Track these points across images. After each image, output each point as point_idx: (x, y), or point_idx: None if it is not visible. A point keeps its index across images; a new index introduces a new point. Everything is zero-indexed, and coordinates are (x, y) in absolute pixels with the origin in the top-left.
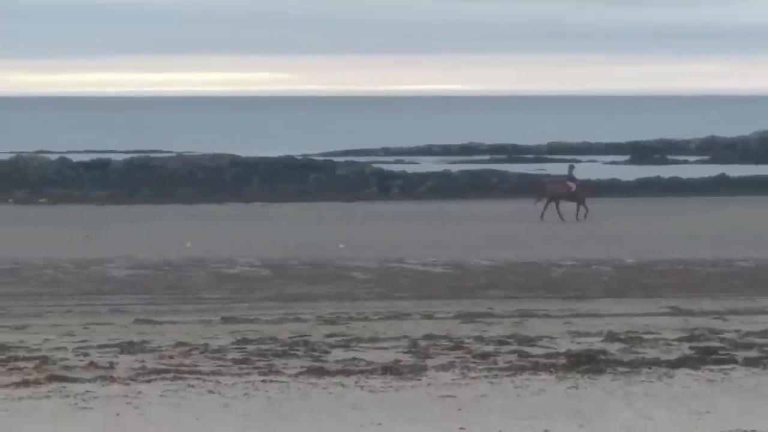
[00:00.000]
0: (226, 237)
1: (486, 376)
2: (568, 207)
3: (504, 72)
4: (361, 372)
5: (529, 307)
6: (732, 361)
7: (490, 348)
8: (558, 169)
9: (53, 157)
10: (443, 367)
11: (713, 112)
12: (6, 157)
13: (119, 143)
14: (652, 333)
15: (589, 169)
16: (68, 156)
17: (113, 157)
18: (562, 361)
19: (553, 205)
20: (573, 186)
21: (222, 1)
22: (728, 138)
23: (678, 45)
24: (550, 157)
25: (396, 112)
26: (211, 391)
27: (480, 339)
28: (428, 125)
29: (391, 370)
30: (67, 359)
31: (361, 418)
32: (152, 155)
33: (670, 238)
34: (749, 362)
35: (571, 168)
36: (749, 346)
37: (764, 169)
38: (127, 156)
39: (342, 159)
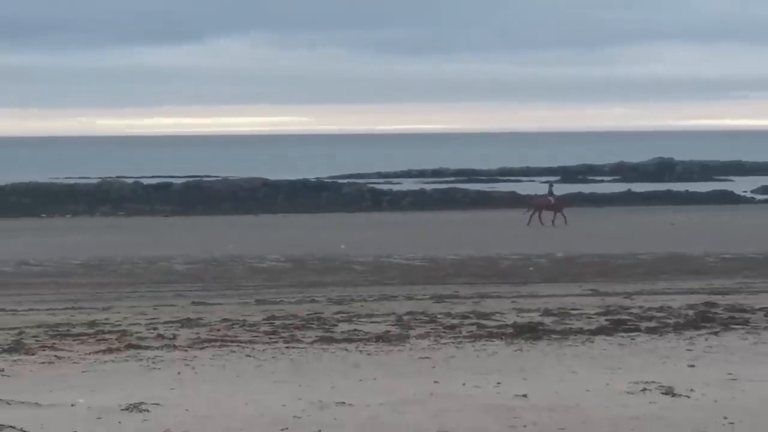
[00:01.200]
0: (258, 239)
1: (453, 343)
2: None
3: (464, 115)
4: (360, 340)
5: (485, 290)
6: (637, 329)
7: (456, 321)
8: (506, 187)
9: (129, 181)
10: (421, 336)
11: (621, 144)
12: (95, 180)
13: (180, 170)
14: (577, 309)
15: (530, 187)
16: (141, 180)
17: (174, 180)
18: (510, 330)
19: (540, 214)
20: (552, 199)
21: (256, 64)
22: (633, 163)
23: (600, 93)
24: (499, 178)
25: (386, 145)
26: (248, 355)
27: (448, 314)
28: (409, 155)
29: (382, 338)
30: (140, 332)
31: (361, 374)
32: (204, 179)
33: (590, 237)
34: (650, 330)
35: (551, 186)
36: (650, 318)
37: (659, 186)
38: (185, 180)
39: (345, 180)
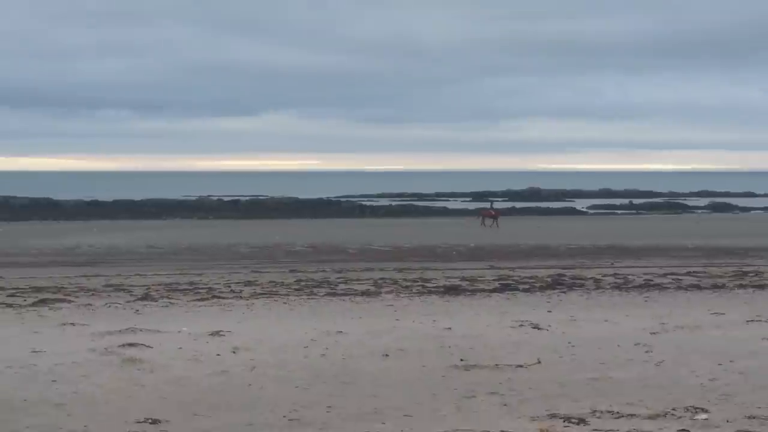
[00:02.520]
0: (291, 234)
1: (407, 296)
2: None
3: (415, 160)
4: (352, 294)
5: (426, 265)
6: (516, 289)
7: (409, 284)
8: (440, 204)
9: (215, 198)
10: (388, 292)
11: (508, 179)
12: (195, 197)
13: (246, 191)
14: (482, 277)
15: (455, 205)
16: (222, 197)
17: (242, 198)
18: (442, 289)
19: (485, 220)
20: (492, 211)
21: (289, 128)
22: (516, 189)
23: (496, 147)
24: (437, 198)
25: (368, 178)
26: (284, 303)
27: (405, 279)
28: (383, 184)
29: (365, 293)
30: (220, 288)
31: (352, 315)
32: (260, 197)
33: (492, 234)
34: (524, 290)
35: (492, 202)
36: (525, 283)
37: (532, 204)
38: (249, 197)
39: (344, 199)
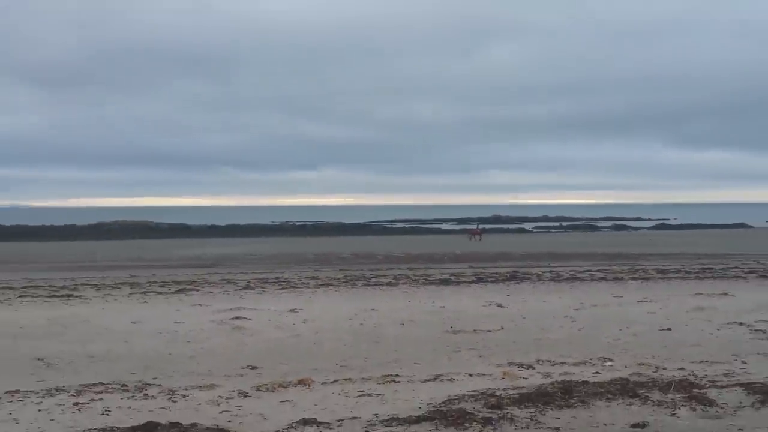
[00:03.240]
0: (340, 246)
1: (416, 286)
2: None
3: (407, 199)
4: (380, 285)
5: (428, 266)
6: (487, 281)
7: (417, 277)
8: (436, 226)
9: (290, 222)
10: (404, 283)
11: (482, 210)
12: (278, 222)
13: (312, 218)
14: (464, 273)
15: (445, 226)
16: (296, 222)
17: (307, 223)
18: (438, 281)
19: (472, 237)
20: (479, 230)
21: (333, 177)
22: (480, 216)
23: (460, 190)
24: (434, 222)
25: (385, 210)
26: (336, 290)
27: (414, 275)
28: (398, 212)
29: (389, 284)
30: (294, 281)
31: (380, 298)
32: (319, 222)
33: (473, 245)
34: (492, 281)
35: (478, 224)
36: (492, 276)
37: (496, 225)
38: (313, 222)
39: (374, 223)
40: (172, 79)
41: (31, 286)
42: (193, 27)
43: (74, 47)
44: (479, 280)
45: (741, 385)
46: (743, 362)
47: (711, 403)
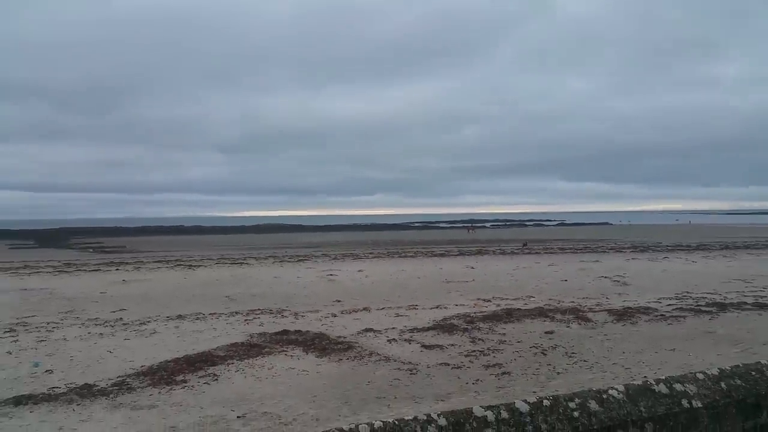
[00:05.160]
0: (378, 237)
1: (426, 257)
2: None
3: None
4: (406, 256)
5: (433, 246)
6: (466, 254)
7: (427, 252)
8: (437, 226)
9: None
10: (419, 255)
11: (465, 217)
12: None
13: (361, 221)
14: (453, 251)
15: (443, 226)
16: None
17: (359, 223)
18: (438, 254)
19: (469, 231)
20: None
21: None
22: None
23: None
24: (437, 222)
25: (411, 218)
26: (383, 259)
27: (425, 250)
28: (410, 220)
29: (411, 256)
30: (362, 255)
31: (406, 264)
32: (367, 223)
33: (466, 236)
34: (469, 254)
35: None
36: (470, 251)
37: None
38: (362, 223)
39: (392, 222)
40: (289, 148)
41: (222, 258)
42: (300, 117)
43: (240, 132)
44: (461, 253)
45: (606, 310)
46: (607, 298)
47: (589, 320)
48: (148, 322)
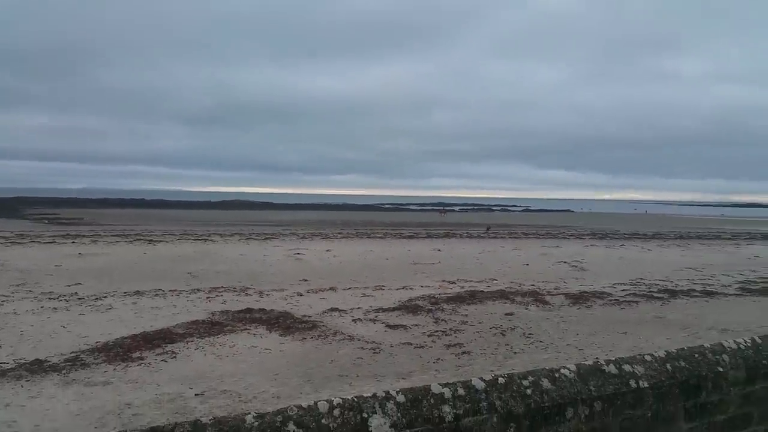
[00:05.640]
0: (348, 217)
1: (394, 238)
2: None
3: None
4: (375, 237)
5: (402, 228)
6: (434, 237)
7: (396, 233)
8: (407, 208)
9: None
10: (388, 237)
11: (431, 200)
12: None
13: (333, 201)
14: (420, 233)
15: (413, 208)
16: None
17: (331, 203)
18: (407, 236)
19: (441, 214)
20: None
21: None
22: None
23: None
24: (408, 204)
25: (386, 199)
26: (350, 239)
27: (394, 232)
28: (392, 200)
29: (380, 237)
30: (330, 235)
31: (374, 245)
32: (338, 203)
33: (437, 219)
34: (437, 237)
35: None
36: (437, 234)
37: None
38: (333, 203)
39: (363, 203)
40: (260, 123)
41: (184, 234)
42: (272, 92)
43: (209, 104)
44: (429, 236)
45: (563, 294)
46: (565, 282)
47: (547, 303)
48: (105, 297)
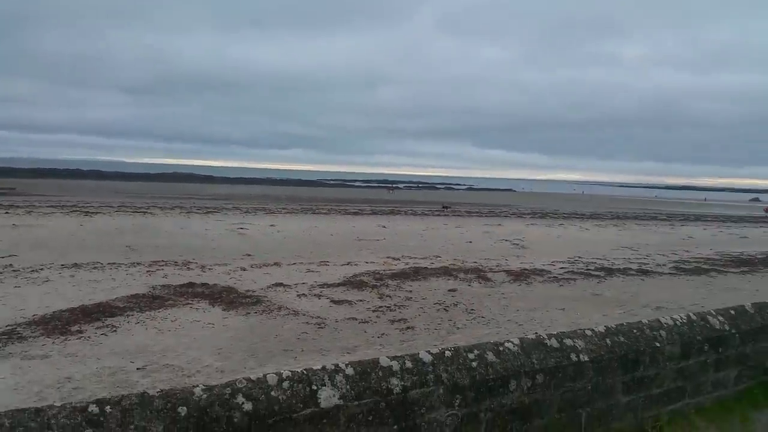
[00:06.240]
0: (293, 192)
1: (340, 214)
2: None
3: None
4: (321, 213)
5: (337, 204)
6: (379, 214)
7: (342, 210)
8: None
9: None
10: (319, 212)
11: (382, 178)
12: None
13: (277, 176)
14: (365, 209)
15: (360, 184)
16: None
17: (274, 177)
18: (352, 212)
19: (389, 191)
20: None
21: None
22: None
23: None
24: (337, 182)
25: (336, 175)
26: (295, 216)
27: (338, 209)
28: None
29: (325, 213)
30: (275, 210)
31: (320, 221)
32: (282, 178)
33: (386, 196)
34: (383, 214)
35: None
36: (383, 211)
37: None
38: (277, 178)
39: (307, 179)
40: (201, 94)
41: (123, 206)
42: (214, 62)
43: (147, 73)
44: (373, 213)
45: (504, 271)
46: (506, 260)
47: (489, 279)
48: (41, 269)
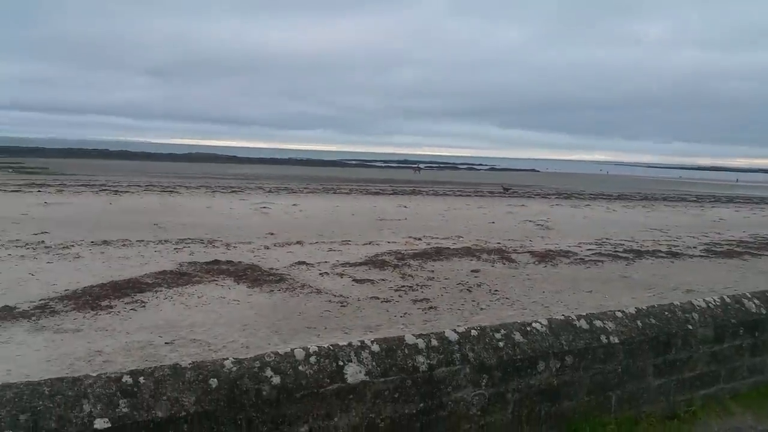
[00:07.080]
0: (315, 172)
1: (362, 195)
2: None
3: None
4: (342, 193)
5: (358, 184)
6: (400, 194)
7: (363, 190)
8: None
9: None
10: (341, 191)
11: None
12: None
13: (299, 156)
14: (386, 189)
15: (381, 165)
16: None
17: (297, 158)
18: (373, 192)
19: (416, 171)
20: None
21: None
22: (403, 162)
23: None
24: (358, 162)
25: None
26: (317, 195)
27: (359, 188)
28: (363, 156)
29: (346, 193)
30: (297, 190)
31: (340, 201)
32: (305, 158)
33: (412, 176)
34: (404, 194)
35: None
36: (404, 191)
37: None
38: (300, 158)
39: (330, 159)
40: (224, 76)
41: (150, 185)
42: (236, 48)
43: (171, 56)
44: (394, 193)
45: (529, 252)
46: (530, 240)
47: (512, 260)
48: (72, 246)
